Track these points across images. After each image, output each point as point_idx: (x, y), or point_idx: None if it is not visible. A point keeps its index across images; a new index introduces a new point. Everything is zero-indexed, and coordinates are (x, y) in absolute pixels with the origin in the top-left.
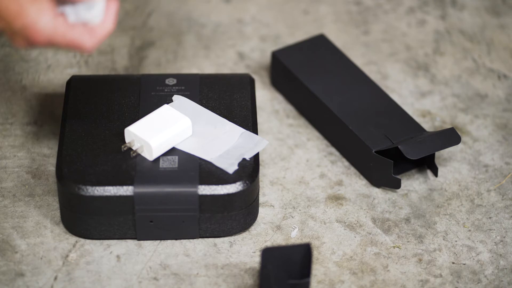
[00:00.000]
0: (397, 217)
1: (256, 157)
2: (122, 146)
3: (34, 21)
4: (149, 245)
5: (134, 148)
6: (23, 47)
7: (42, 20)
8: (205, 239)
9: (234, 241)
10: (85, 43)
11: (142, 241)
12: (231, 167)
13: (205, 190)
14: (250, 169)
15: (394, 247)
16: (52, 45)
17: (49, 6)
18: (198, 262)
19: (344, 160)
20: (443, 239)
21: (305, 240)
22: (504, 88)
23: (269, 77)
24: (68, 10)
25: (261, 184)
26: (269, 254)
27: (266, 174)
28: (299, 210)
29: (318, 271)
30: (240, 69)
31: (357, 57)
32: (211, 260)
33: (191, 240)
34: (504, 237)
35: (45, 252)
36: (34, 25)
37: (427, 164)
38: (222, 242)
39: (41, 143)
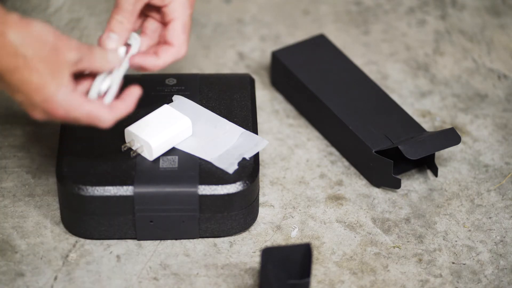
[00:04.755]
0: (397, 217)
1: (256, 157)
2: (122, 146)
3: (54, 94)
4: (149, 245)
5: (134, 148)
6: (41, 119)
7: (61, 94)
8: (205, 239)
9: (234, 241)
10: (103, 118)
11: (142, 241)
12: (231, 167)
13: (205, 190)
14: (250, 169)
15: (394, 247)
16: (71, 119)
17: (69, 80)
18: (198, 262)
19: (344, 160)
20: (443, 239)
21: (305, 240)
22: (504, 88)
23: (269, 77)
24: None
25: (261, 184)
26: (269, 254)
27: (266, 174)
28: (299, 210)
29: (318, 271)
30: (240, 69)
31: (357, 57)
32: (211, 260)
33: (191, 240)
34: (504, 237)
35: (45, 252)
36: (54, 99)
37: (427, 164)
38: (222, 242)
39: (41, 143)
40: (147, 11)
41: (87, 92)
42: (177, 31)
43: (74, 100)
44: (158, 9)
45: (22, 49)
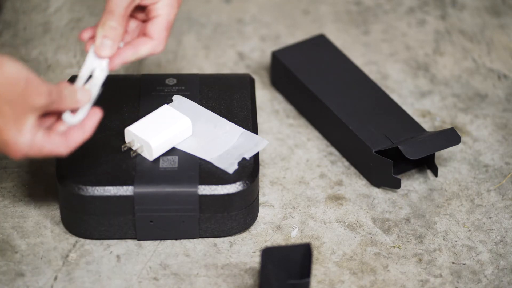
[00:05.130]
0: (397, 217)
1: (256, 157)
2: (122, 146)
3: (14, 140)
4: (149, 245)
5: (134, 148)
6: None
7: (22, 140)
8: (205, 239)
9: (234, 241)
10: (61, 152)
11: (142, 241)
12: (231, 167)
13: (205, 190)
14: (250, 169)
15: (394, 247)
16: (29, 157)
17: (32, 126)
18: (198, 262)
19: (344, 160)
20: (443, 239)
21: (305, 240)
22: (504, 88)
23: (269, 77)
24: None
25: (261, 184)
26: (269, 254)
27: (266, 174)
28: (299, 210)
29: (318, 271)
30: (240, 69)
31: (357, 57)
32: (211, 260)
33: (191, 240)
34: (504, 237)
35: (45, 252)
36: (13, 144)
37: (427, 164)
38: (222, 242)
39: None
40: (133, 11)
41: (49, 127)
42: (160, 27)
43: (34, 146)
44: (143, 8)
45: None
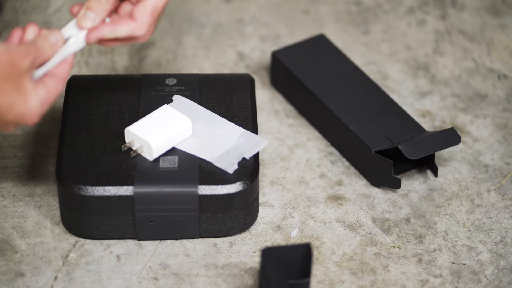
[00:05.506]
0: (397, 217)
1: (256, 157)
2: (122, 146)
3: (25, 108)
4: (149, 245)
5: (134, 148)
6: (11, 131)
7: (31, 104)
8: (205, 239)
9: (234, 241)
10: (60, 89)
11: (142, 241)
12: (231, 167)
13: (205, 190)
14: (250, 169)
15: (394, 247)
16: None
17: (32, 86)
18: (198, 262)
19: (344, 160)
20: (443, 239)
21: (305, 240)
22: (504, 88)
23: (269, 77)
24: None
25: (261, 184)
26: (269, 254)
27: (266, 174)
28: (299, 210)
29: (318, 271)
30: (240, 69)
31: (357, 57)
32: (211, 260)
33: (191, 240)
34: (504, 237)
35: (45, 252)
36: (27, 112)
37: (427, 164)
38: (222, 242)
39: (41, 143)
40: None
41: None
42: (145, 10)
43: (44, 101)
44: None
45: None
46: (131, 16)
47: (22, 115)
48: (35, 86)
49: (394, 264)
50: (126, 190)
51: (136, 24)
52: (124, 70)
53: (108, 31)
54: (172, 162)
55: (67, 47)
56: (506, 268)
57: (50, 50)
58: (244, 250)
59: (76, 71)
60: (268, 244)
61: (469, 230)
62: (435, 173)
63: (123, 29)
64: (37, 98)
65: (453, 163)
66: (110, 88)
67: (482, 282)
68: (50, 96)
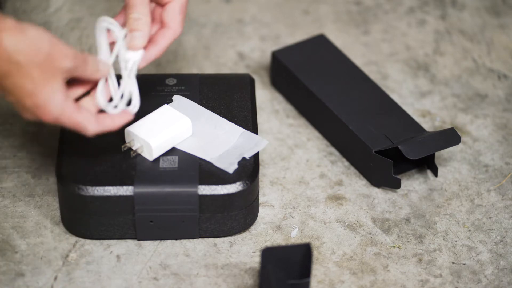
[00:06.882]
0: (397, 217)
1: (256, 157)
2: (122, 146)
3: (46, 101)
4: (149, 245)
5: (134, 148)
6: (31, 119)
7: (54, 101)
8: (205, 239)
9: (234, 241)
10: (88, 128)
11: (142, 241)
12: (231, 167)
13: (205, 190)
14: (250, 169)
15: (394, 247)
16: (58, 123)
17: (62, 88)
18: (198, 262)
19: (344, 160)
20: (443, 239)
21: (305, 240)
22: (504, 88)
23: (269, 77)
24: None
25: (261, 184)
26: (269, 254)
27: (266, 174)
28: (299, 210)
29: (318, 271)
30: (240, 69)
31: (357, 57)
32: (211, 260)
33: (191, 240)
34: (504, 237)
35: (45, 252)
36: (46, 106)
37: (427, 164)
38: (222, 242)
39: (41, 143)
40: None
41: (77, 99)
42: (175, 12)
43: (66, 109)
44: None
45: (16, 55)
46: (162, 22)
47: (38, 107)
48: (65, 92)
49: (394, 264)
50: (126, 190)
51: (172, 30)
52: None
53: (155, 53)
54: (172, 162)
55: (129, 73)
56: (506, 268)
57: (93, 73)
58: (244, 250)
59: None
60: (268, 244)
61: (469, 230)
62: (435, 173)
63: (165, 42)
64: (61, 101)
65: (453, 163)
66: None
67: (482, 282)
68: (70, 121)
